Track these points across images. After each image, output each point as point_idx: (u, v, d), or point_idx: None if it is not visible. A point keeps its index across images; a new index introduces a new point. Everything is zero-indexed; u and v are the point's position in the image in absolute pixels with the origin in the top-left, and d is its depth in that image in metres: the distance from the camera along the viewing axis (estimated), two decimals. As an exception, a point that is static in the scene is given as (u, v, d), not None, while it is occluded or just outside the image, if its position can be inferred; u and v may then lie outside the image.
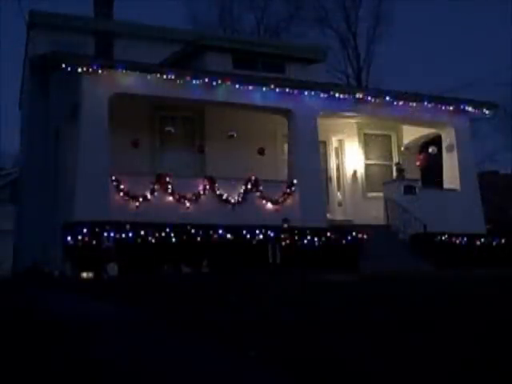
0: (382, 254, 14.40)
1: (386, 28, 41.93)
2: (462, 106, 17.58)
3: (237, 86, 15.01)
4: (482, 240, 16.49)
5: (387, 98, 16.64)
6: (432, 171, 19.00)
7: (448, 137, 17.77)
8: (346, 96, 16.26)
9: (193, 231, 13.31)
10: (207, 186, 14.53)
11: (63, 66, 14.01)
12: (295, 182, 15.32)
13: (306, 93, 15.81)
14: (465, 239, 16.12)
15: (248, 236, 13.77)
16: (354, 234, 14.65)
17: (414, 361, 2.85)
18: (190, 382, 2.73)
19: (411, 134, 18.87)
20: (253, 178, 14.98)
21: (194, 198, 14.35)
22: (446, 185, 17.76)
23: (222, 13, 38.28)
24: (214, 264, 12.92)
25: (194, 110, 16.32)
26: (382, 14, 37.09)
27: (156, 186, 14.03)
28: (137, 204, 13.75)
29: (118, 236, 12.62)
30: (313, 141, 15.75)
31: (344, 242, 14.54)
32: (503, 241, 16.84)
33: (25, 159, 20.40)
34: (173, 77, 14.35)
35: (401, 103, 16.79)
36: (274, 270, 13.20)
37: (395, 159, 18.66)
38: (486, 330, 3.67)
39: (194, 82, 14.60)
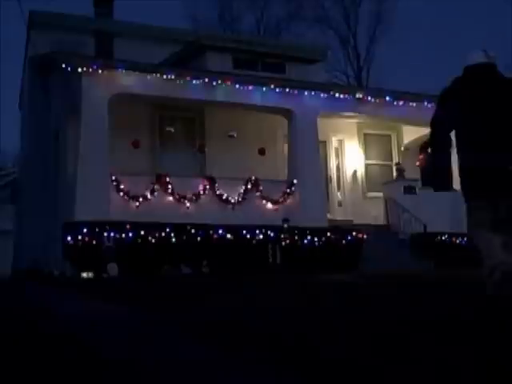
0: (382, 253, 14.41)
1: (386, 28, 41.91)
2: (462, 106, 17.58)
3: (237, 86, 15.03)
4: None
5: (387, 98, 16.65)
6: (432, 171, 18.98)
7: (448, 137, 17.77)
8: (346, 96, 16.27)
9: (193, 231, 13.31)
10: (207, 186, 14.55)
11: (63, 65, 14.04)
12: (295, 182, 15.34)
13: (306, 93, 15.82)
14: (465, 239, 16.11)
15: (248, 236, 13.77)
16: (354, 234, 14.66)
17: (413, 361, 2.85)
18: (189, 382, 2.73)
19: (411, 134, 18.88)
20: (253, 177, 15.00)
21: (193, 198, 14.36)
22: (446, 185, 17.74)
23: (221, 13, 38.33)
24: (214, 264, 12.93)
25: (194, 110, 16.32)
26: (383, 13, 37.15)
27: (156, 186, 14.04)
28: (137, 204, 13.77)
29: (118, 236, 12.63)
30: (313, 141, 15.75)
31: (344, 242, 14.55)
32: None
33: (25, 159, 20.41)
34: (173, 77, 14.36)
35: (401, 103, 16.80)
36: (274, 269, 13.21)
37: (395, 159, 18.67)
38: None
39: (194, 82, 14.61)
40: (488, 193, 4.56)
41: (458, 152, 4.73)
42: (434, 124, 4.80)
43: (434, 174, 4.87)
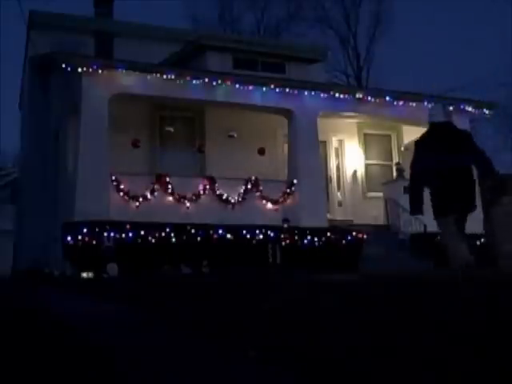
0: (382, 253, 14.41)
1: (386, 28, 41.86)
2: (461, 106, 17.56)
3: (237, 86, 15.02)
4: (482, 240, 16.47)
5: (387, 98, 16.64)
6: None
7: (448, 137, 17.74)
8: (346, 96, 16.26)
9: (193, 231, 13.31)
10: (207, 186, 14.55)
11: (63, 65, 14.03)
12: (295, 182, 15.33)
13: (306, 93, 15.81)
14: (465, 239, 16.06)
15: (248, 236, 13.77)
16: (353, 234, 14.65)
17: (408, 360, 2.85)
18: (189, 382, 2.73)
19: (411, 134, 18.85)
20: (253, 177, 14.99)
21: (193, 198, 14.36)
22: (446, 185, 17.72)
23: (221, 13, 38.31)
24: (214, 264, 12.92)
25: (194, 110, 16.32)
26: (382, 13, 37.11)
27: (156, 186, 14.04)
28: (137, 204, 13.76)
29: (118, 236, 12.62)
30: (313, 141, 15.75)
31: (344, 242, 14.54)
32: (503, 241, 16.81)
33: (25, 159, 20.41)
34: (173, 77, 14.35)
35: (401, 103, 16.79)
36: (274, 269, 13.20)
37: (395, 159, 18.66)
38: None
39: (193, 81, 14.60)
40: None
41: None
42: (411, 177, 7.42)
43: (411, 205, 7.32)
